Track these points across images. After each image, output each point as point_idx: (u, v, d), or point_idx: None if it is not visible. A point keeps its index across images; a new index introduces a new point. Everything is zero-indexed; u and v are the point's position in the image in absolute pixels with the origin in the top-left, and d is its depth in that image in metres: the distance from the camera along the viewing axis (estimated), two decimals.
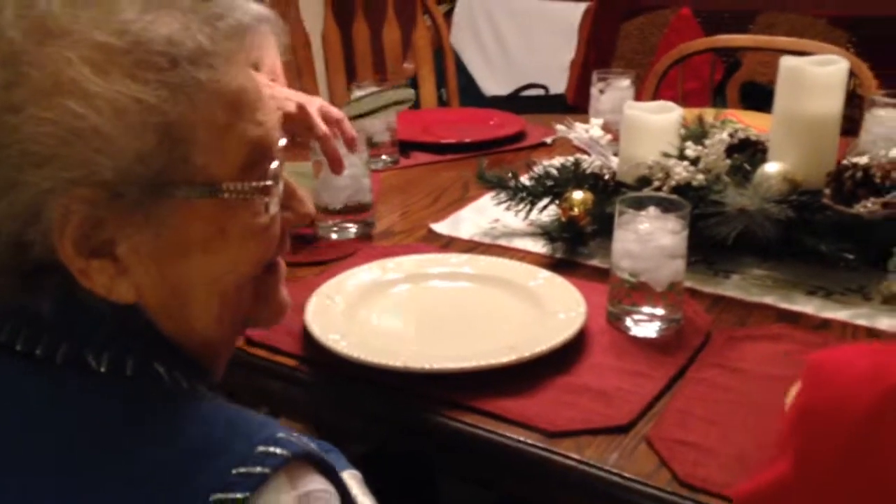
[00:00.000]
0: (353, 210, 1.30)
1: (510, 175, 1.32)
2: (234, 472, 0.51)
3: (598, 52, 3.22)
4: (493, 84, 3.71)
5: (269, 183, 0.60)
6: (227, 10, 0.57)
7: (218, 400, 0.59)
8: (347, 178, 1.28)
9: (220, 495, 0.51)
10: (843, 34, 2.84)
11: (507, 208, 1.33)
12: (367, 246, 1.27)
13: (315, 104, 1.24)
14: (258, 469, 0.52)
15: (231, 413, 0.56)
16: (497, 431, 0.85)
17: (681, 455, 0.80)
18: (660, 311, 1.01)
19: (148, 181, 0.54)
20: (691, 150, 1.18)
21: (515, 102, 3.51)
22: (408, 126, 1.76)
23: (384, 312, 1.06)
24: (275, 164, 0.61)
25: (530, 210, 1.31)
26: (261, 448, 0.53)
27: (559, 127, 1.45)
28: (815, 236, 1.09)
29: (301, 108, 1.21)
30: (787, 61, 1.15)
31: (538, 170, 1.34)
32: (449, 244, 1.29)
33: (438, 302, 1.09)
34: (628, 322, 1.03)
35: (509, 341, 0.96)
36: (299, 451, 0.54)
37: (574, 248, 1.23)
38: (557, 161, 1.37)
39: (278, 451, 0.53)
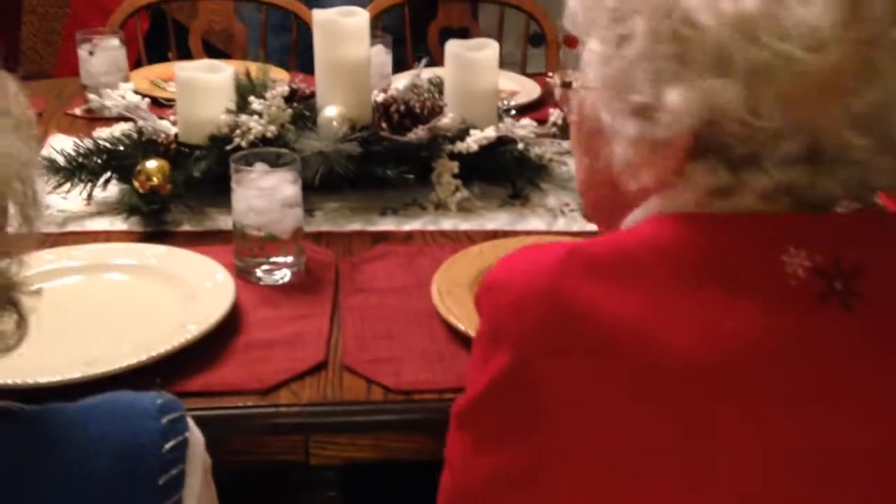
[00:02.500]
0: None
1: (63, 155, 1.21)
2: (163, 449, 0.57)
3: (4, 4, 2.88)
4: None
5: None
6: None
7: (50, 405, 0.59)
8: None
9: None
10: None
11: (63, 192, 1.21)
12: None
13: None
14: (177, 440, 0.59)
15: (88, 407, 0.59)
16: (218, 406, 0.85)
17: (380, 370, 0.92)
18: (289, 258, 1.08)
19: None
20: (256, 104, 1.24)
21: None
22: None
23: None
24: None
25: (92, 188, 1.22)
26: (164, 420, 0.59)
27: (91, 97, 1.35)
28: (380, 164, 1.27)
29: None
30: (319, 15, 1.28)
31: (85, 144, 1.25)
32: None
33: (67, 302, 0.97)
34: (259, 273, 1.07)
35: (174, 322, 0.93)
36: (177, 403, 0.62)
37: (160, 218, 1.20)
38: (106, 132, 1.28)
39: (174, 415, 0.60)
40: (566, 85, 0.71)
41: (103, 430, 0.57)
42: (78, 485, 0.54)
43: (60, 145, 1.30)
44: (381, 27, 1.95)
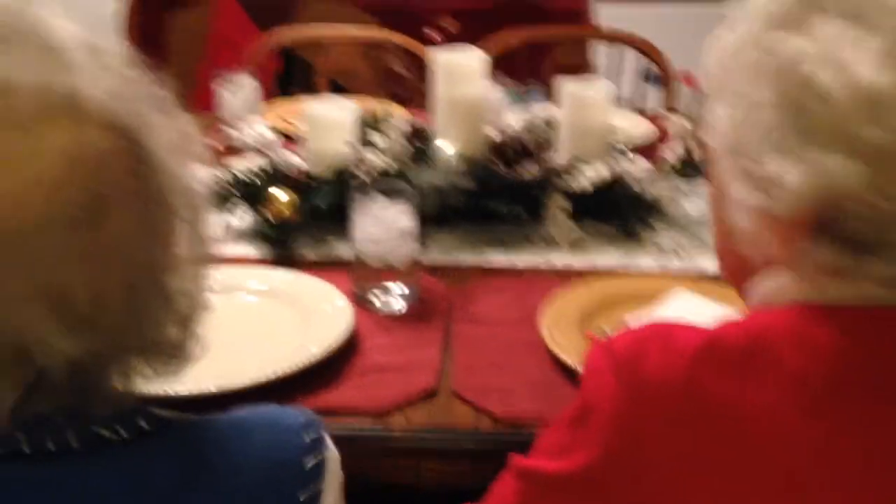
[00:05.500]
0: None
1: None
2: (305, 466, 0.60)
3: (147, 45, 3.12)
4: None
5: None
6: None
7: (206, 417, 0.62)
8: None
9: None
10: (372, 18, 3.20)
11: None
12: None
13: None
14: (317, 458, 0.61)
15: (239, 419, 0.62)
16: (335, 425, 0.90)
17: (489, 399, 0.95)
18: (404, 287, 1.13)
19: None
20: (379, 139, 1.30)
21: None
22: None
23: None
24: None
25: (228, 216, 1.32)
26: (307, 437, 0.61)
27: (229, 131, 1.45)
28: (493, 200, 1.31)
29: None
30: (439, 56, 1.34)
31: (223, 176, 1.34)
32: None
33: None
34: (376, 301, 1.13)
35: (297, 343, 0.99)
36: (320, 422, 0.64)
37: (287, 246, 1.28)
38: (244, 165, 1.38)
39: (316, 433, 0.62)
40: (686, 127, 0.72)
41: (251, 443, 0.60)
42: (225, 496, 0.57)
43: (198, 176, 1.40)
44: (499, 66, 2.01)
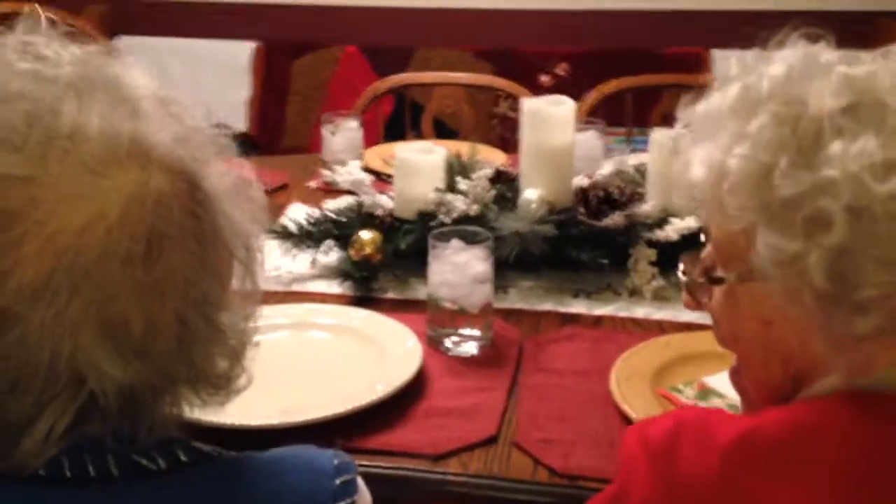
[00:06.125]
0: None
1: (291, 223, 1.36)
2: None
3: (273, 89, 3.29)
4: None
5: None
6: None
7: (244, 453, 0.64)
8: None
9: None
10: (486, 65, 3.26)
11: (292, 255, 1.36)
12: None
13: None
14: (346, 502, 0.62)
15: (274, 459, 0.63)
16: (385, 465, 0.91)
17: (549, 451, 0.93)
18: (477, 332, 1.14)
19: None
20: (463, 184, 1.32)
21: None
22: None
23: None
24: None
25: (316, 254, 1.36)
26: (338, 481, 0.62)
27: (325, 172, 1.51)
28: (575, 247, 1.30)
29: None
30: (528, 104, 1.35)
31: (315, 214, 1.39)
32: None
33: (273, 354, 1.09)
34: (448, 344, 1.14)
35: (364, 381, 1.01)
36: (353, 465, 0.65)
37: (369, 285, 1.31)
38: (333, 204, 1.43)
39: (348, 476, 0.63)
40: None
41: (284, 483, 0.61)
42: None
43: (295, 214, 1.46)
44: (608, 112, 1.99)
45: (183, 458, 0.60)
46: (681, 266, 0.75)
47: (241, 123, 3.32)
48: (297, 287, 1.32)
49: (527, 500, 0.89)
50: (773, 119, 0.62)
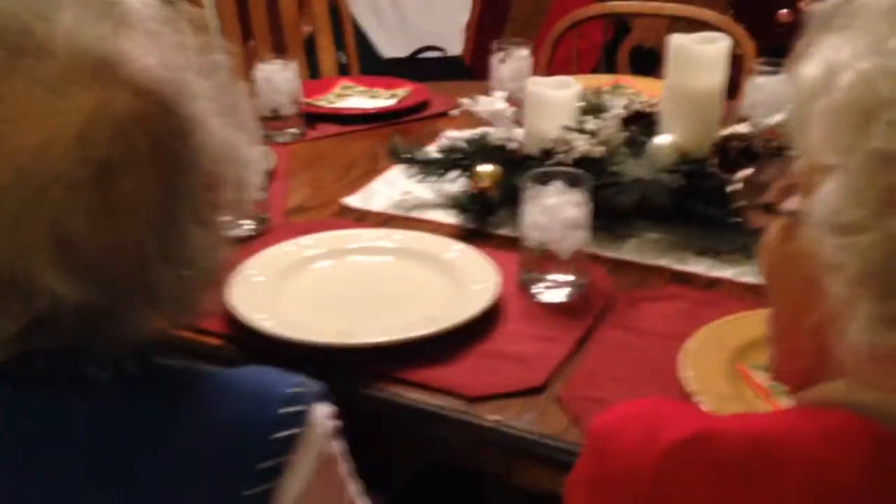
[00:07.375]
0: None
1: (420, 149, 1.37)
2: (271, 437, 0.60)
3: (492, 13, 3.28)
4: (389, 46, 3.71)
5: None
6: None
7: (207, 370, 0.64)
8: None
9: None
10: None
11: (418, 181, 1.37)
12: (284, 223, 1.29)
13: None
14: (289, 431, 0.61)
15: (229, 381, 0.63)
16: (420, 400, 0.91)
17: (589, 412, 0.88)
18: (567, 278, 1.09)
19: None
20: (591, 123, 1.25)
21: (413, 65, 3.53)
22: (311, 96, 1.77)
23: (305, 289, 1.10)
24: None
25: (440, 182, 1.36)
26: (284, 410, 0.61)
27: (464, 101, 1.50)
28: (703, 202, 1.18)
29: None
30: (675, 39, 1.23)
31: (446, 142, 1.39)
32: (362, 218, 1.33)
33: (357, 277, 1.13)
34: (538, 288, 1.10)
35: (428, 313, 1.02)
36: (312, 396, 0.63)
37: (484, 219, 1.29)
38: (465, 133, 1.42)
39: (299, 407, 0.61)
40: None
41: (227, 406, 0.61)
42: (185, 452, 0.59)
43: (444, 142, 1.46)
44: None
45: (131, 369, 0.61)
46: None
47: (457, 47, 3.35)
48: (415, 214, 1.34)
49: (543, 455, 0.85)
50: None
